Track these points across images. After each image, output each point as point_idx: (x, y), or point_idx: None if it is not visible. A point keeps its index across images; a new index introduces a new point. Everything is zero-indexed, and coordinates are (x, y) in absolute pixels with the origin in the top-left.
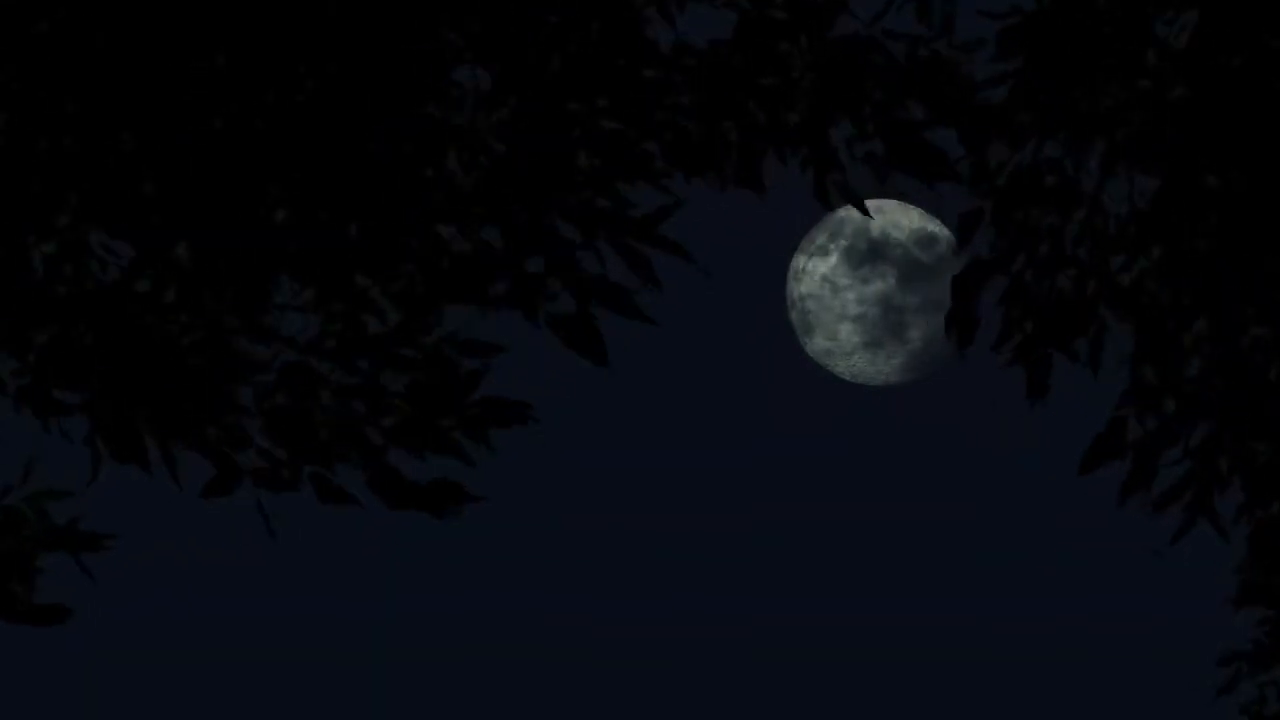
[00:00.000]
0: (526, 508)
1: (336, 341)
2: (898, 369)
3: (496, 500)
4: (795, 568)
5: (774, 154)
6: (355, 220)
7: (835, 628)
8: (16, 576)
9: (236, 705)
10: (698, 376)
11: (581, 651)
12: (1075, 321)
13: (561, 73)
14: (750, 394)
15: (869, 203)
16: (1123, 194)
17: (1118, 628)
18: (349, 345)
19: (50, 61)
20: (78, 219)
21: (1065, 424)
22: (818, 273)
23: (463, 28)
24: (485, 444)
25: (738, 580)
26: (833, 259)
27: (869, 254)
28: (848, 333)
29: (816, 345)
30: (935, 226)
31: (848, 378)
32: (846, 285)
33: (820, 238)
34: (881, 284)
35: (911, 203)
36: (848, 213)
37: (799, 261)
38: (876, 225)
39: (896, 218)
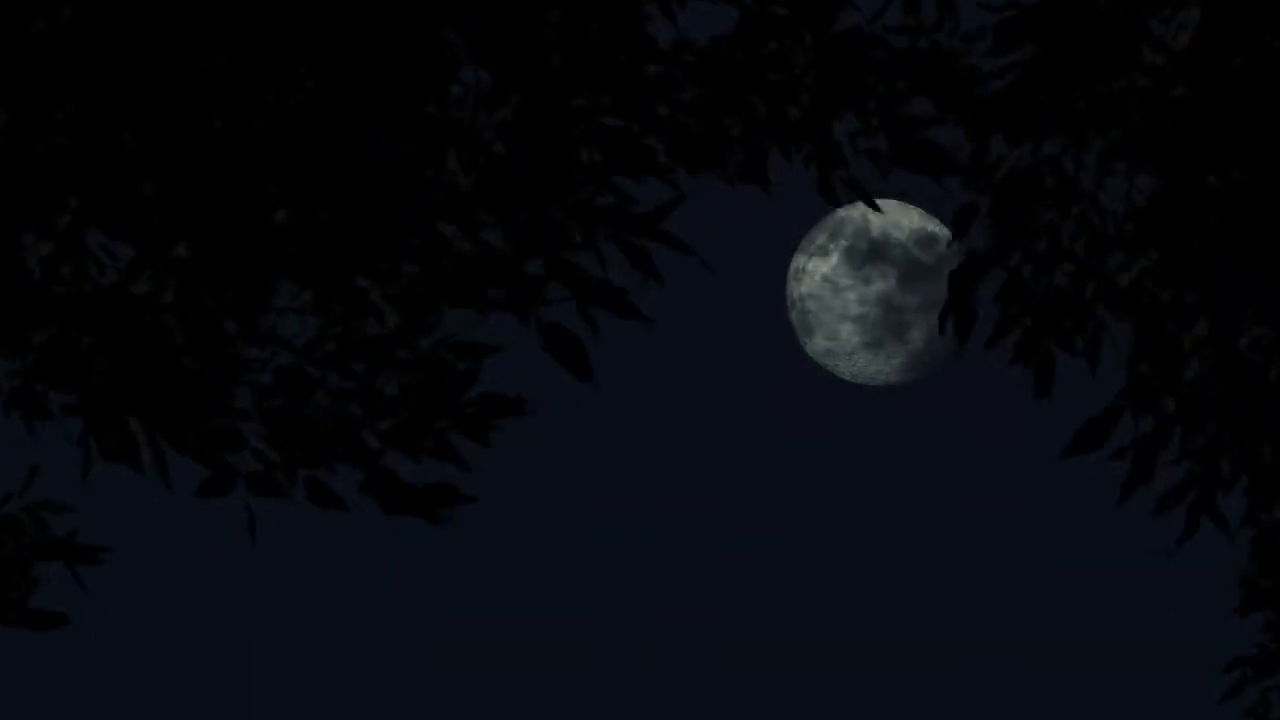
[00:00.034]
0: (523, 507)
1: (336, 345)
2: (898, 369)
3: (492, 501)
4: (795, 568)
5: (777, 151)
6: (355, 221)
7: (835, 627)
8: (13, 583)
9: (235, 705)
10: (697, 376)
11: (581, 651)
12: (1073, 317)
13: (563, 70)
14: (750, 394)
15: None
16: (1121, 193)
17: (1119, 628)
18: (345, 349)
19: (50, 61)
20: (76, 219)
21: (1065, 424)
22: (818, 273)
23: (463, 26)
24: (483, 441)
25: (737, 580)
26: (833, 259)
27: (869, 254)
28: (848, 333)
29: (817, 345)
30: (935, 226)
31: (848, 378)
32: (847, 285)
33: (820, 238)
34: (882, 284)
35: (911, 203)
36: (848, 213)
37: (799, 261)
38: (877, 225)
39: (897, 218)
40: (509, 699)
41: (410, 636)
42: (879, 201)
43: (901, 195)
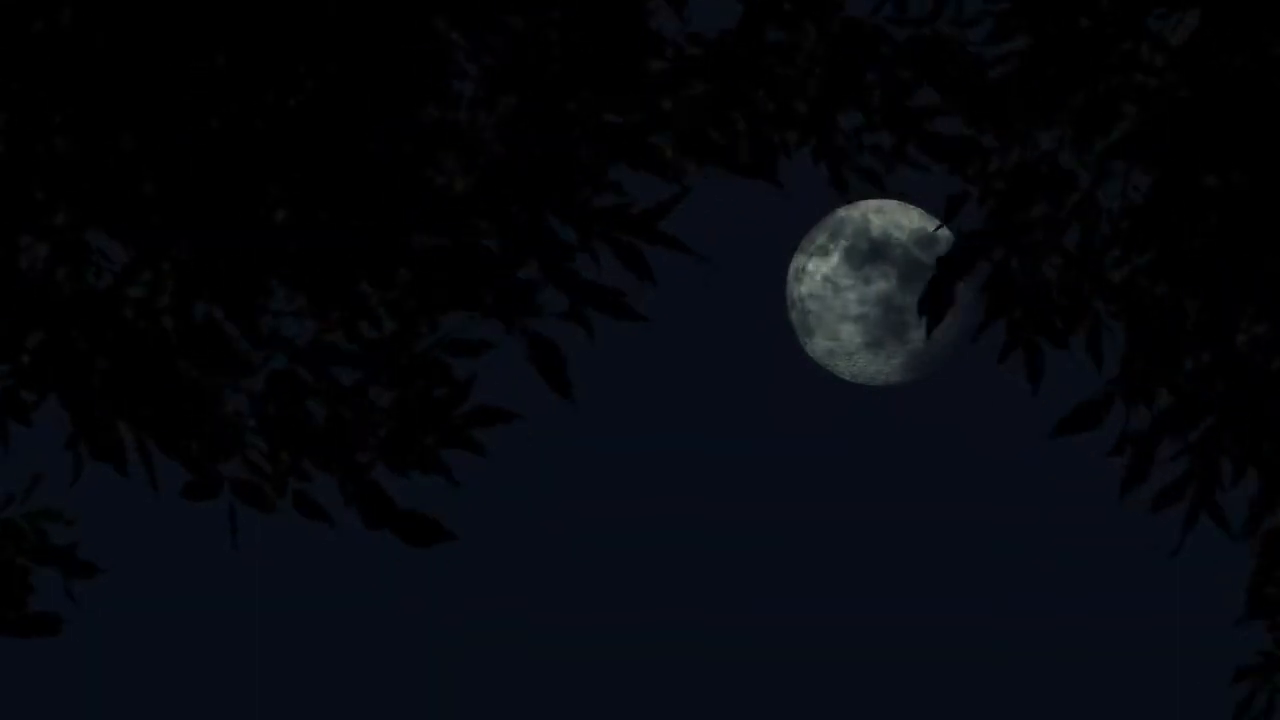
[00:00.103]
0: (522, 508)
1: (327, 351)
2: (898, 369)
3: (491, 502)
4: (795, 567)
5: (781, 149)
6: (355, 221)
7: (835, 628)
8: (10, 589)
9: (233, 705)
10: (697, 376)
11: (581, 651)
12: (1060, 312)
13: (564, 67)
14: (750, 394)
15: (870, 203)
16: (1118, 190)
17: (1120, 628)
18: (335, 355)
19: (49, 61)
20: (73, 220)
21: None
22: (819, 273)
23: (462, 24)
24: (478, 451)
25: (737, 580)
26: (834, 259)
27: (870, 254)
28: (849, 333)
29: (818, 346)
30: (939, 230)
31: (848, 378)
32: (848, 285)
33: (820, 238)
34: (883, 284)
35: (912, 203)
36: (848, 213)
37: (799, 261)
38: (877, 225)
39: (897, 218)
40: (509, 699)
41: (410, 637)
42: (879, 203)
43: (902, 195)
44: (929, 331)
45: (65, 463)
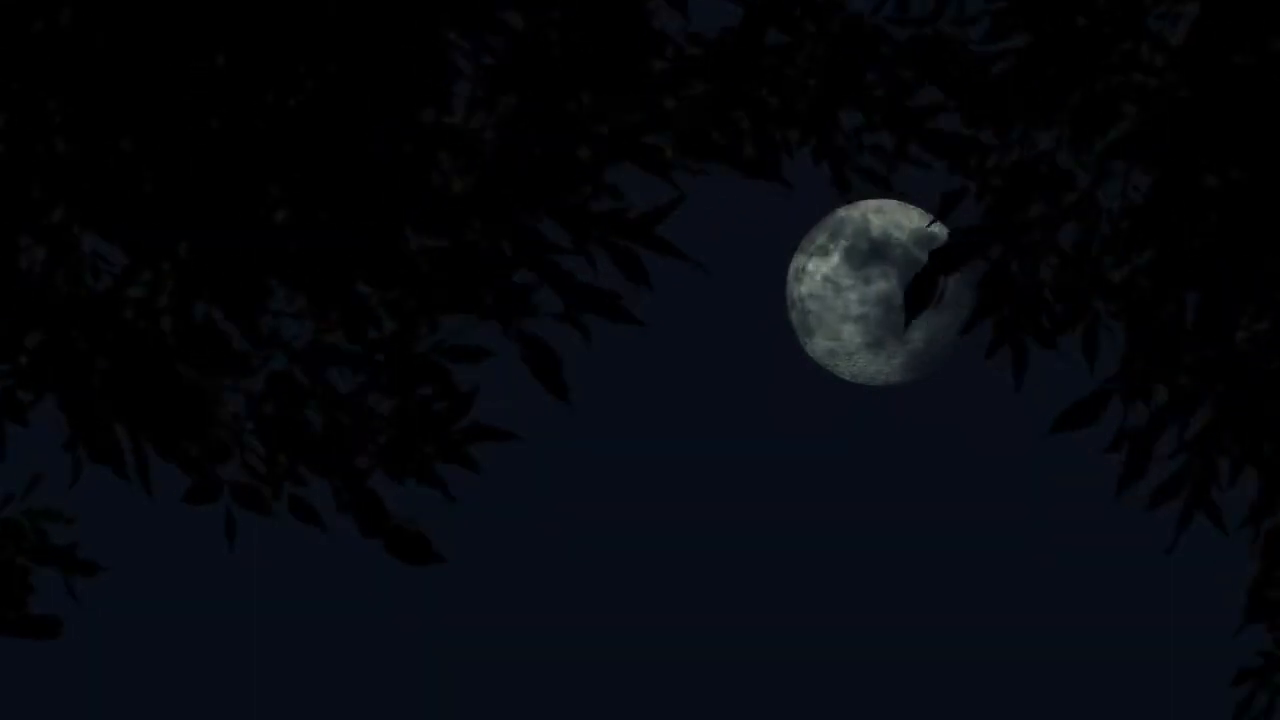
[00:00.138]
0: (521, 509)
1: (327, 352)
2: (899, 369)
3: (491, 504)
4: (795, 568)
5: (784, 147)
6: (355, 222)
7: (835, 627)
8: (10, 590)
9: (232, 706)
10: (697, 376)
11: (579, 652)
12: (1051, 310)
13: (565, 66)
14: (750, 394)
15: (870, 203)
16: (1118, 190)
17: (1121, 628)
18: (335, 355)
19: (48, 62)
20: (71, 221)
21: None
22: (819, 273)
23: (461, 25)
24: (472, 468)
25: (737, 580)
26: (834, 259)
27: (870, 254)
28: (850, 333)
29: (819, 346)
30: (936, 226)
31: (848, 378)
32: (849, 285)
33: (820, 238)
34: (883, 284)
35: (912, 203)
36: (848, 213)
37: (799, 261)
38: (877, 225)
39: (898, 217)
40: (508, 700)
41: (409, 637)
42: (879, 203)
43: (902, 195)
44: (906, 323)
45: (63, 463)
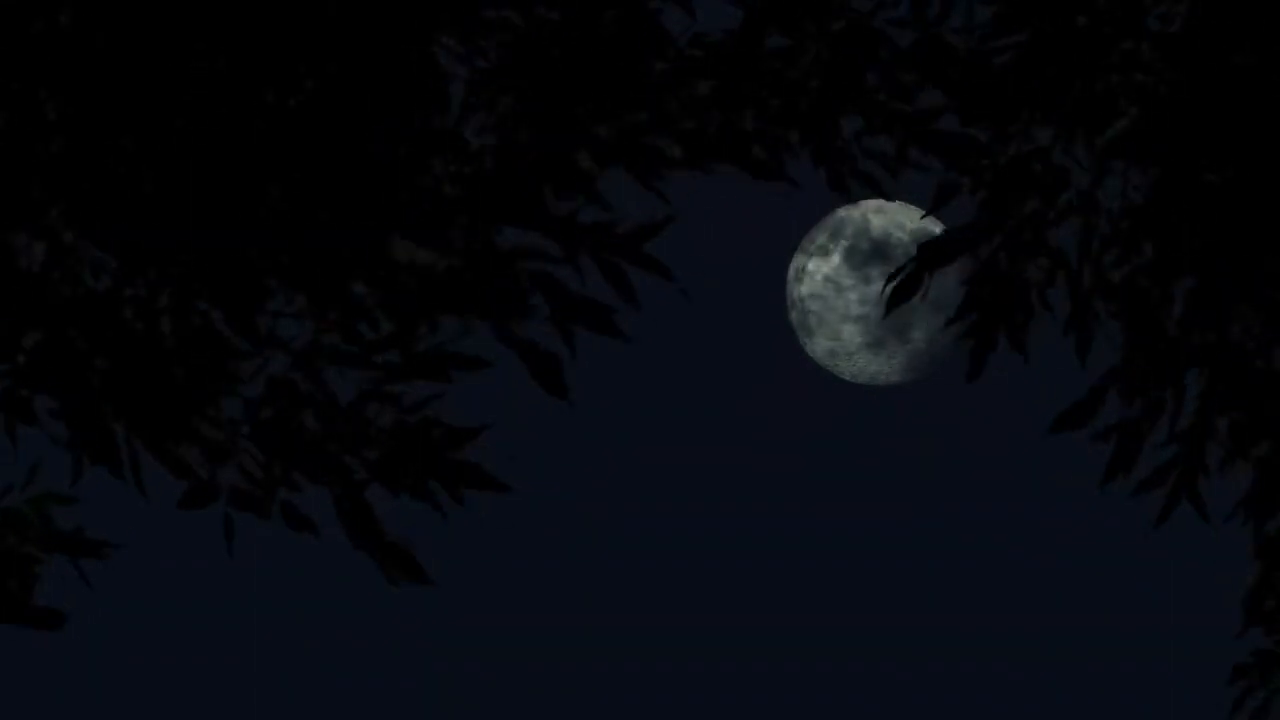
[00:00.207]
0: (520, 510)
1: (330, 352)
2: (899, 369)
3: (492, 505)
4: (795, 568)
5: (786, 148)
6: (355, 222)
7: (835, 627)
8: (16, 578)
9: (232, 708)
10: (696, 376)
11: (579, 653)
12: (1026, 311)
13: (567, 64)
14: (750, 395)
15: (871, 203)
16: (1117, 188)
17: (1121, 628)
18: (334, 355)
19: (48, 61)
20: (68, 223)
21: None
22: (820, 273)
23: (462, 25)
24: (457, 500)
25: (737, 580)
26: (835, 259)
27: (871, 254)
28: (850, 333)
29: (819, 346)
30: (936, 226)
31: (849, 378)
32: (850, 285)
33: (821, 238)
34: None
35: (913, 203)
36: (848, 213)
37: (800, 261)
38: (878, 225)
39: (898, 217)
40: (507, 702)
41: (408, 639)
42: (881, 202)
43: (903, 196)
44: (885, 313)
45: (61, 460)
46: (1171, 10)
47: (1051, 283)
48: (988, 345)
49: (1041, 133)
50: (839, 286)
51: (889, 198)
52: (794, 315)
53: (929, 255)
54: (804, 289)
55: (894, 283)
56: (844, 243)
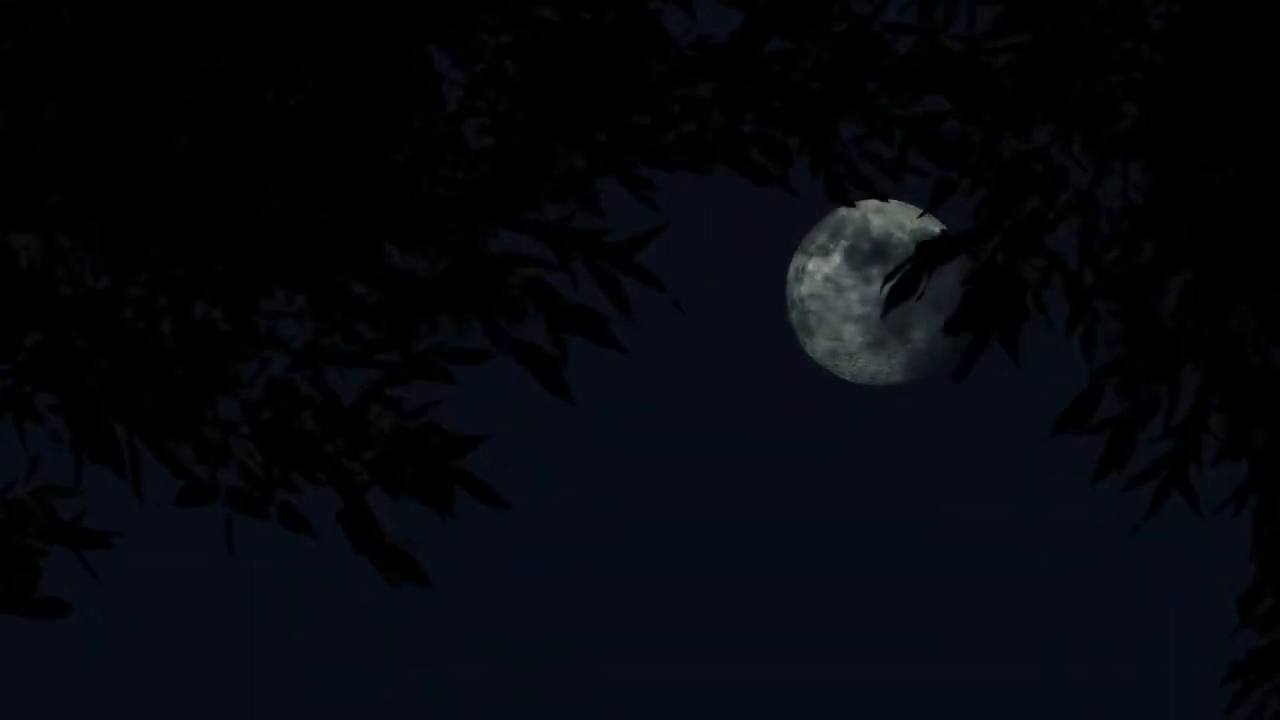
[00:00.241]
0: (520, 511)
1: (330, 352)
2: (899, 368)
3: (485, 514)
4: (795, 568)
5: (785, 153)
6: (354, 222)
7: (835, 627)
8: (20, 570)
9: (236, 704)
10: (696, 376)
11: (579, 653)
12: (1016, 310)
13: (569, 67)
14: (749, 394)
15: (871, 203)
16: (1117, 189)
17: (1122, 627)
18: (334, 355)
19: (48, 61)
20: (68, 223)
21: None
22: (820, 273)
23: (461, 26)
24: (446, 511)
25: (737, 580)
26: (835, 259)
27: (872, 254)
28: (851, 333)
29: (819, 346)
30: (936, 226)
31: (849, 378)
32: (850, 285)
33: (821, 238)
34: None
35: (912, 202)
36: (848, 212)
37: (800, 261)
38: (878, 225)
39: (899, 217)
40: (506, 702)
41: (408, 639)
42: (880, 202)
43: (902, 196)
44: (884, 313)
45: (62, 454)
46: (1172, 10)
47: (1047, 283)
48: (980, 346)
49: (1041, 133)
50: (839, 286)
51: (884, 199)
52: (794, 315)
53: (927, 255)
54: (804, 289)
55: (892, 282)
56: (844, 243)
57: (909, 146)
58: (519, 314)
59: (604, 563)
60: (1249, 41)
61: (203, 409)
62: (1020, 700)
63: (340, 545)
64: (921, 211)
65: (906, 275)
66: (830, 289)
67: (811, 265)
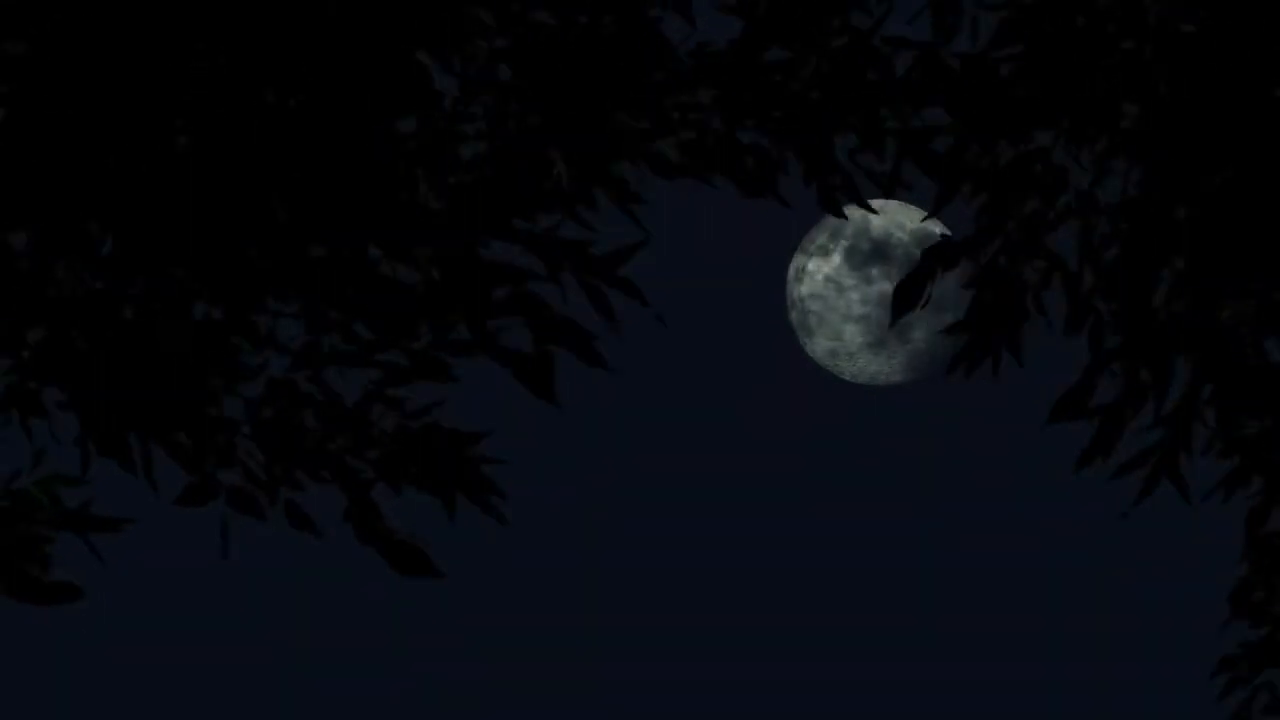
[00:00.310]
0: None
1: (329, 354)
2: (899, 368)
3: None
4: (795, 568)
5: (781, 166)
6: (354, 223)
7: (835, 627)
8: (30, 558)
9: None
10: (697, 376)
11: (579, 653)
12: (1025, 313)
13: (566, 72)
14: (750, 394)
15: (872, 202)
16: (1117, 189)
17: (1122, 627)
18: (334, 355)
19: (49, 61)
20: (67, 223)
21: (1068, 425)
22: (820, 273)
23: (458, 30)
24: (449, 507)
25: (738, 580)
26: (835, 259)
27: (872, 254)
28: (851, 334)
29: (819, 346)
30: (938, 227)
31: (849, 378)
32: (850, 286)
33: (821, 238)
34: (885, 284)
35: (912, 203)
36: (849, 212)
37: (800, 262)
38: (878, 225)
39: (899, 217)
40: (507, 702)
41: (409, 638)
42: (880, 203)
43: (902, 197)
44: (892, 322)
45: (67, 446)
46: (1171, 10)
47: (1047, 285)
48: (981, 347)
49: (1041, 133)
50: (840, 286)
51: (873, 210)
52: (794, 315)
53: (933, 260)
54: (804, 289)
55: (902, 290)
56: (844, 243)
57: (903, 159)
58: (507, 320)
59: (603, 563)
60: (1249, 41)
61: (204, 409)
62: (1020, 700)
63: (343, 544)
64: (925, 216)
65: (914, 281)
66: (830, 289)
67: (812, 265)
